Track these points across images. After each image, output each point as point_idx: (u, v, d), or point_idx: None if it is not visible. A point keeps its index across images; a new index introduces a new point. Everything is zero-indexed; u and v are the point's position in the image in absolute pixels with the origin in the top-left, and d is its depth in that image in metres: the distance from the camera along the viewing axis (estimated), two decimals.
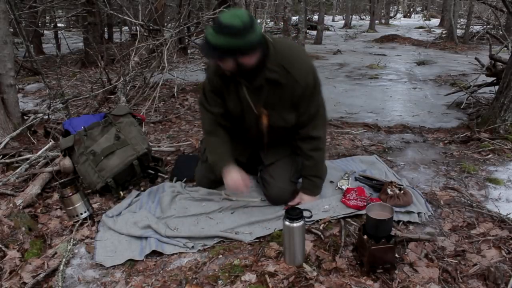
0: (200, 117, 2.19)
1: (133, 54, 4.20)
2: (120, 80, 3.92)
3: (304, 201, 2.11)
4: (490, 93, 4.36)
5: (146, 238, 1.87)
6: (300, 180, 2.19)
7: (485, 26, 12.00)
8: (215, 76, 1.92)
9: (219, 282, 1.60)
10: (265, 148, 2.17)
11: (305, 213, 1.67)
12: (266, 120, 1.95)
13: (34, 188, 2.29)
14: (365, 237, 1.60)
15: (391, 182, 2.17)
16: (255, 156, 2.22)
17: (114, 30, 10.65)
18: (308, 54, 2.05)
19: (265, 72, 1.78)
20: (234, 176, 1.96)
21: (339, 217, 2.00)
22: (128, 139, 2.40)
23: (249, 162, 2.24)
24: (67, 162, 2.36)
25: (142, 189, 2.40)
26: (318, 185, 2.13)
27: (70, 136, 2.38)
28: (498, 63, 4.03)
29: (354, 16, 23.75)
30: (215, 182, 2.28)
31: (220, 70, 1.83)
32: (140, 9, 4.98)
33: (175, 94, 4.78)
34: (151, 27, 4.89)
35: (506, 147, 2.87)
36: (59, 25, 12.28)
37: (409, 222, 1.97)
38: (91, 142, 2.34)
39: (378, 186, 2.23)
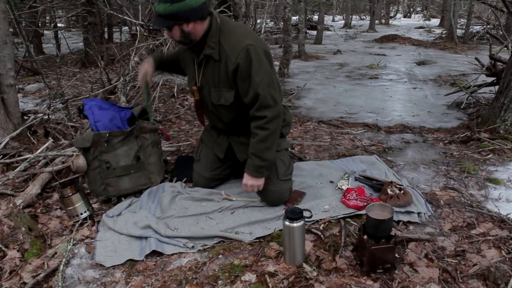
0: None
1: (133, 54, 4.19)
2: (120, 80, 3.92)
3: (244, 181, 2.03)
4: (490, 93, 4.36)
5: (146, 238, 1.87)
6: (293, 177, 2.21)
7: (485, 26, 12.00)
8: (187, 51, 2.11)
9: (219, 282, 1.60)
10: (236, 136, 2.18)
11: (305, 213, 1.67)
12: (196, 95, 2.09)
13: (34, 188, 2.29)
14: (365, 237, 1.60)
15: (391, 182, 2.17)
16: (235, 155, 2.24)
17: (114, 30, 10.64)
18: (256, 36, 2.05)
19: (205, 48, 1.91)
20: (145, 61, 2.23)
21: (339, 217, 2.00)
22: (147, 164, 2.30)
23: (230, 159, 2.26)
24: (81, 161, 2.16)
25: None
26: (258, 166, 1.97)
27: (89, 134, 2.16)
28: (498, 63, 4.03)
29: (354, 16, 23.74)
30: (212, 181, 2.30)
31: (183, 48, 2.08)
32: (140, 9, 4.97)
33: (175, 94, 4.78)
34: (151, 27, 4.88)
35: (506, 147, 2.87)
36: (59, 25, 12.27)
37: (409, 222, 1.97)
38: (109, 149, 2.20)
39: (378, 186, 2.23)
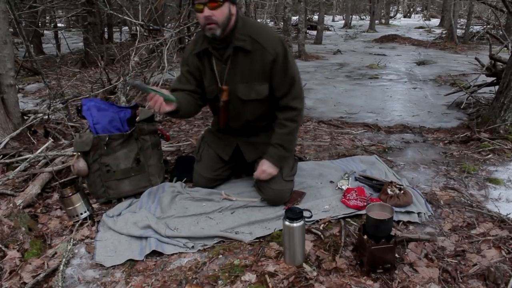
0: None
1: (133, 54, 4.19)
2: (120, 80, 3.92)
3: (263, 168, 2.03)
4: (490, 93, 4.36)
5: (146, 238, 1.87)
6: (294, 177, 2.22)
7: (485, 26, 12.00)
8: (191, 55, 2.02)
9: (219, 282, 1.60)
10: (245, 137, 2.16)
11: (305, 213, 1.67)
12: (225, 95, 1.99)
13: (34, 188, 2.29)
14: (365, 237, 1.60)
15: (391, 182, 2.17)
16: (240, 156, 2.23)
17: (114, 30, 10.64)
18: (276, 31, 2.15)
19: (233, 41, 1.87)
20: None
21: (339, 217, 2.00)
22: (147, 166, 2.29)
23: (233, 160, 2.26)
24: (81, 164, 2.14)
25: None
26: (282, 156, 2.04)
27: (89, 138, 2.14)
28: (498, 63, 4.03)
29: (354, 16, 23.76)
30: (212, 181, 2.30)
31: (196, 48, 1.98)
32: (140, 9, 4.97)
33: None
34: (151, 27, 4.89)
35: (506, 147, 2.87)
36: (59, 25, 12.27)
37: (409, 222, 1.97)
38: (109, 151, 2.19)
39: (378, 186, 2.23)
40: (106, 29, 9.70)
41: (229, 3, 1.80)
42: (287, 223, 1.60)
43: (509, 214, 1.99)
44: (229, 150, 2.24)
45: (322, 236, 1.86)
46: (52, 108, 3.57)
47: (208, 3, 1.74)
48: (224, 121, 2.15)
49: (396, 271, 1.61)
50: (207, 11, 1.75)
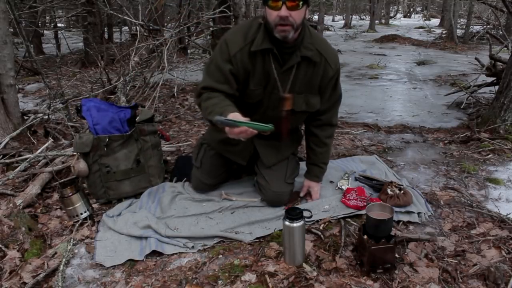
0: (202, 102, 1.79)
1: (133, 54, 4.20)
2: (120, 80, 3.92)
3: (314, 190, 2.15)
4: (490, 93, 4.36)
5: (146, 238, 1.87)
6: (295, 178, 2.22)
7: (485, 26, 11.99)
8: (241, 52, 1.74)
9: (219, 282, 1.60)
10: (267, 140, 2.05)
11: (305, 213, 1.67)
12: (288, 104, 1.85)
13: (34, 188, 2.29)
14: (365, 237, 1.60)
15: (391, 182, 2.17)
16: (255, 158, 2.21)
17: (114, 30, 10.63)
18: None
19: (301, 49, 1.78)
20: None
21: (339, 217, 2.00)
22: (147, 167, 2.29)
23: (248, 163, 2.23)
24: (82, 165, 2.13)
25: None
26: (324, 171, 2.19)
27: (89, 139, 2.12)
28: (498, 63, 4.03)
29: (354, 16, 23.77)
30: (211, 187, 2.28)
31: (254, 45, 1.73)
32: (140, 9, 4.98)
33: (175, 94, 4.78)
34: (151, 27, 4.89)
35: (506, 147, 2.87)
36: (59, 25, 12.27)
37: (409, 222, 1.97)
38: (109, 152, 2.18)
39: (378, 186, 2.23)
40: (106, 29, 9.68)
41: (306, 7, 1.66)
42: (287, 223, 1.60)
43: (509, 214, 1.99)
44: (246, 154, 2.13)
45: (322, 236, 1.86)
46: (52, 108, 3.57)
47: (288, 1, 1.56)
48: (286, 133, 1.96)
49: (396, 271, 1.61)
50: (284, 11, 1.57)
